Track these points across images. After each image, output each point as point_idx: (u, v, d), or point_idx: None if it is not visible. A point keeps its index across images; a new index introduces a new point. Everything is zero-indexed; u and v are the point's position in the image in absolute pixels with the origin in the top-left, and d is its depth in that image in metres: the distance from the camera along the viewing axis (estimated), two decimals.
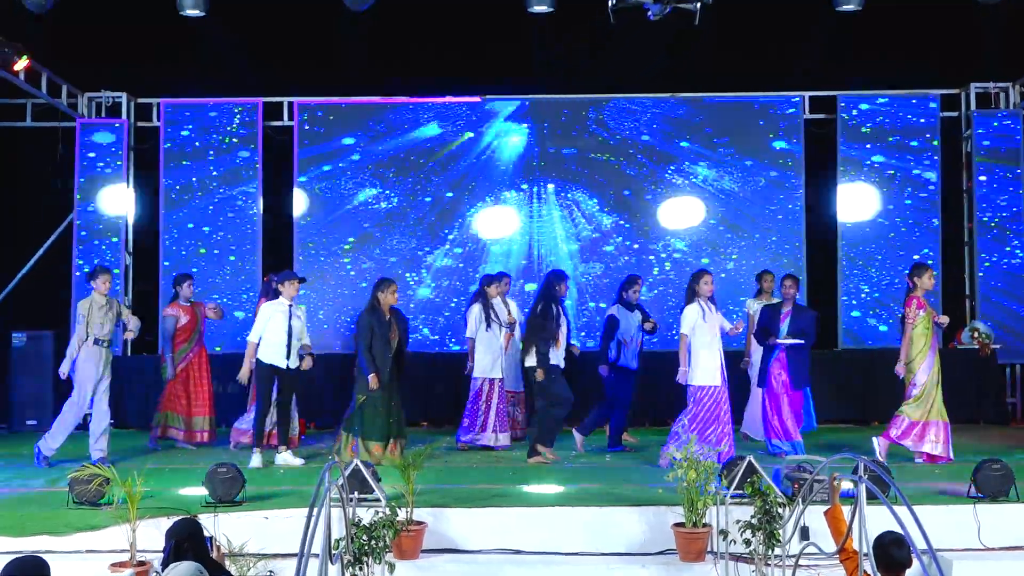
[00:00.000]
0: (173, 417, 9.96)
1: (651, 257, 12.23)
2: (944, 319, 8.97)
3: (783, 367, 9.15)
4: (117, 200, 12.29)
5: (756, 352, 9.78)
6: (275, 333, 8.97)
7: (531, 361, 9.11)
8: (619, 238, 12.25)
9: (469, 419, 9.87)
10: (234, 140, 12.33)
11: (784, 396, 9.14)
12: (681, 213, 12.23)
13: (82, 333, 8.91)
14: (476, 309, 10.04)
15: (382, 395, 8.89)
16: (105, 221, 12.26)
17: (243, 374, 9.06)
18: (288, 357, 9.00)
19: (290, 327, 8.97)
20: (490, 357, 9.91)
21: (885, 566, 4.67)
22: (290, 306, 9.05)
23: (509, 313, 10.10)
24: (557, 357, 9.19)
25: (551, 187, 12.28)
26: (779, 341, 9.12)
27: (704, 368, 8.57)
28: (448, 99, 12.36)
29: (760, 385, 9.39)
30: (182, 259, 12.18)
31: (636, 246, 12.17)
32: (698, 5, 8.33)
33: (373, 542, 5.95)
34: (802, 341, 9.18)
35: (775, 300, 9.85)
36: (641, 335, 9.66)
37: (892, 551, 4.58)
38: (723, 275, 11.96)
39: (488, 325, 9.93)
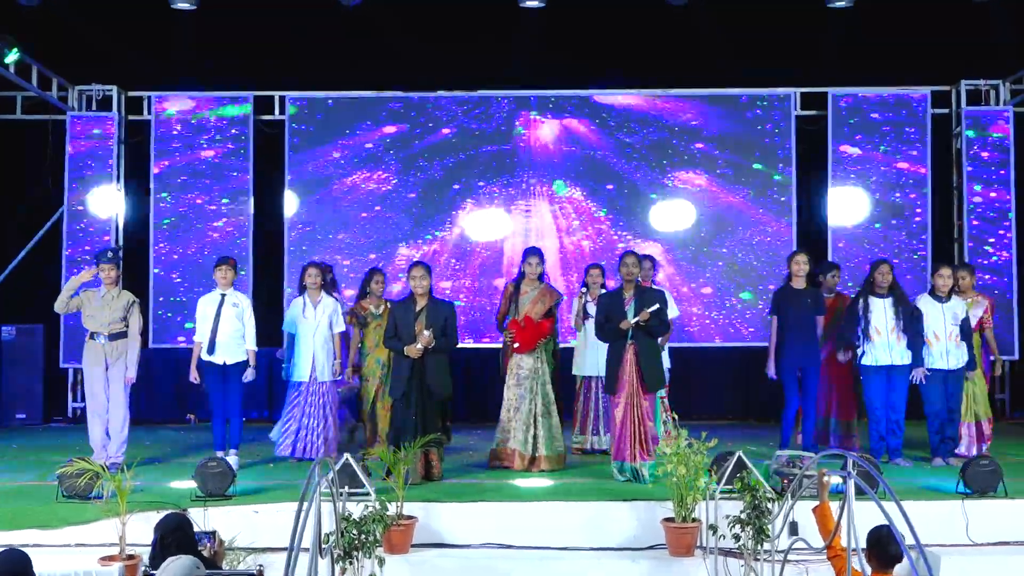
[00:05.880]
0: None
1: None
2: None
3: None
4: (107, 194, 12.21)
5: None
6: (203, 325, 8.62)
7: None
8: (612, 234, 12.23)
9: (580, 422, 9.26)
10: (225, 134, 12.27)
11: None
12: (671, 211, 12.19)
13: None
14: (575, 302, 9.31)
15: (404, 399, 7.89)
16: (95, 215, 12.20)
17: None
18: (212, 351, 8.53)
19: (217, 319, 8.51)
20: (590, 353, 9.07)
21: (879, 561, 4.68)
22: (223, 295, 8.62)
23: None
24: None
25: (542, 182, 12.24)
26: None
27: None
28: (441, 93, 12.34)
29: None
30: (172, 253, 12.15)
31: (629, 242, 12.15)
32: None
33: (363, 536, 5.94)
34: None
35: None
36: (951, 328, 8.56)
37: (889, 546, 4.59)
38: (707, 274, 12.03)
39: (587, 318, 8.95)
